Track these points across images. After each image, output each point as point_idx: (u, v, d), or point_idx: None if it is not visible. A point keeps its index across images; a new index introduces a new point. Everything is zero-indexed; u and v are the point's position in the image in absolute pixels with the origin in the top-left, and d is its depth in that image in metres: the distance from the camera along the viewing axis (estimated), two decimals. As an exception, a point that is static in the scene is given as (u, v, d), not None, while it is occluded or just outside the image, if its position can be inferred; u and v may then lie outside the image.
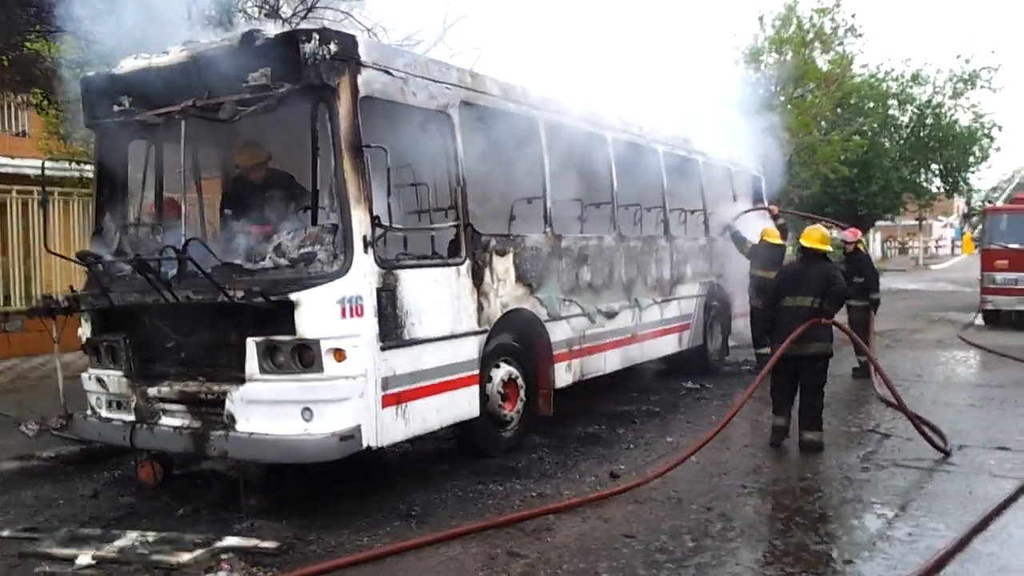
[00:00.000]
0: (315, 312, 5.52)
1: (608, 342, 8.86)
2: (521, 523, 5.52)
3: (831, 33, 24.15)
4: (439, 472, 6.82)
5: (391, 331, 5.89)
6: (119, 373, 6.36)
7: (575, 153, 8.76)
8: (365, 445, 5.66)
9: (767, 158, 14.27)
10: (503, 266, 7.14)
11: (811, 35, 23.67)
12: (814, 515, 5.76)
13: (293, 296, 5.52)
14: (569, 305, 8.12)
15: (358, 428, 5.60)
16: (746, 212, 13.25)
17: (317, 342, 5.53)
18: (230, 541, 5.23)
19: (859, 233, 13.02)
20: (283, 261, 5.81)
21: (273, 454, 5.66)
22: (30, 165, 11.52)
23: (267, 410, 5.65)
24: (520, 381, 7.45)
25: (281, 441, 5.55)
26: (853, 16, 24.32)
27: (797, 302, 7.59)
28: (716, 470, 6.83)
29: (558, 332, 7.93)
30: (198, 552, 5.05)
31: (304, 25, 8.40)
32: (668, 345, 10.41)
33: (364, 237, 5.68)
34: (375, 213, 5.75)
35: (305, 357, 5.59)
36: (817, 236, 7.81)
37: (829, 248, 7.94)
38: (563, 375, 8.03)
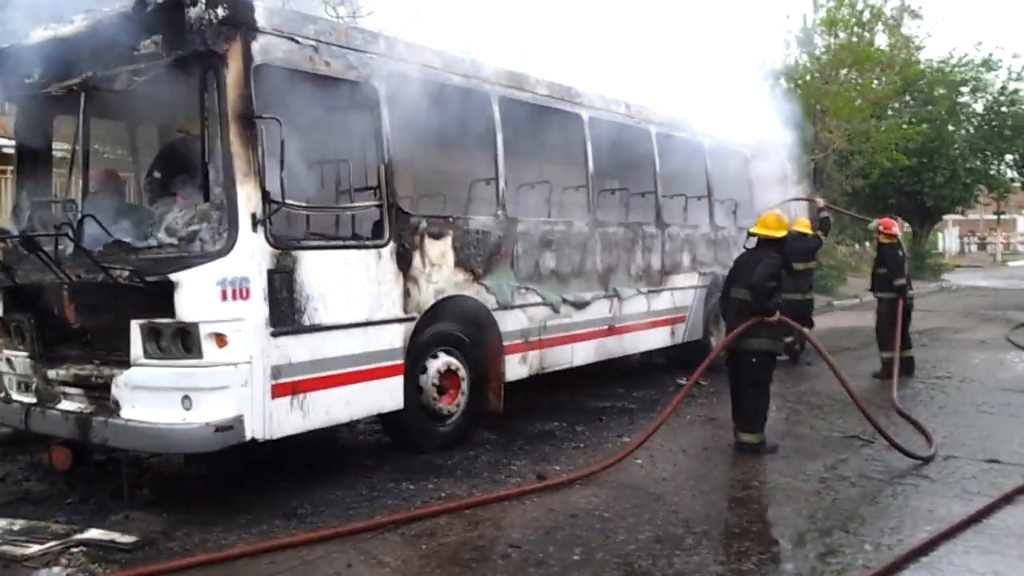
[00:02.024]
0: (194, 294, 5.19)
1: (577, 333, 8.33)
2: (406, 525, 5.09)
3: (891, 14, 22.84)
4: (361, 466, 6.43)
5: (286, 316, 5.50)
6: (25, 354, 6.14)
7: (543, 133, 8.28)
8: (248, 437, 5.29)
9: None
10: (438, 250, 6.69)
11: (866, 15, 22.41)
12: (734, 531, 5.16)
13: (173, 277, 5.19)
14: (526, 293, 7.63)
15: (239, 419, 5.24)
16: (786, 202, 12.61)
17: (196, 326, 5.19)
18: (90, 534, 4.92)
19: (891, 225, 12.18)
20: (170, 240, 5.47)
21: (148, 443, 5.37)
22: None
23: (150, 397, 5.34)
24: (462, 373, 7.00)
25: (156, 430, 5.23)
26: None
27: (735, 293, 7.07)
28: (655, 475, 6.27)
29: (510, 322, 7.44)
30: (50, 544, 4.76)
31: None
32: (657, 338, 9.80)
33: (253, 215, 5.31)
34: (268, 189, 5.37)
35: (186, 342, 5.25)
36: (771, 221, 7.18)
37: (775, 233, 7.11)
38: (516, 368, 7.55)
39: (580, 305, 8.33)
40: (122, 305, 5.44)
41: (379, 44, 6.34)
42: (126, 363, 5.42)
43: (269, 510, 5.41)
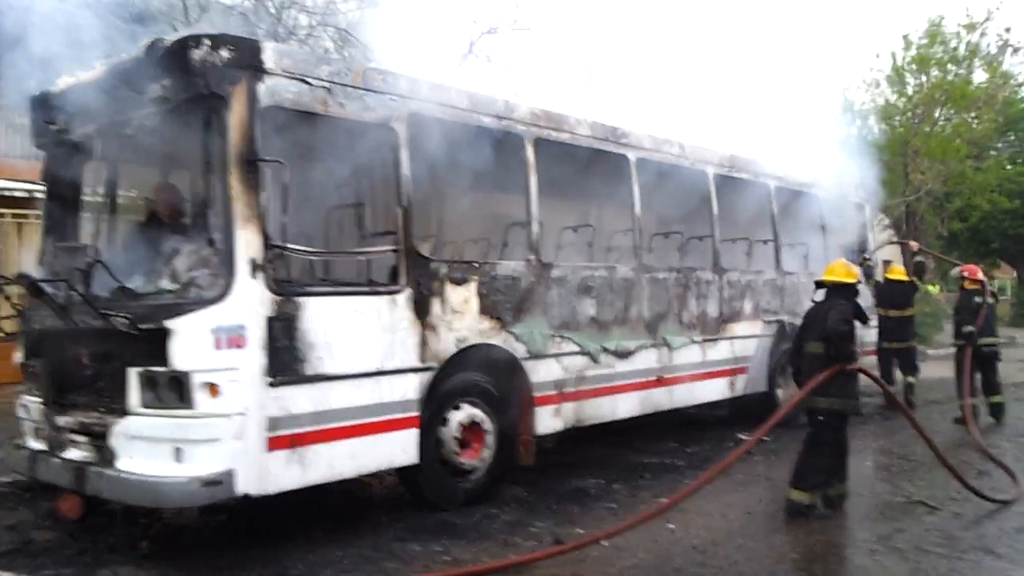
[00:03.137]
0: (187, 342, 5.01)
1: (619, 384, 7.88)
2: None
3: (988, 50, 21.73)
4: (374, 523, 6.12)
5: (286, 365, 5.28)
6: (39, 400, 6.08)
7: (586, 175, 7.95)
8: (240, 492, 5.06)
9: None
10: (460, 296, 6.39)
11: (962, 52, 21.39)
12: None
13: (168, 324, 5.03)
14: (560, 342, 7.25)
15: (229, 473, 5.01)
16: (880, 246, 12.09)
17: (188, 375, 5.01)
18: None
19: (976, 271, 11.51)
20: (173, 286, 5.34)
21: (138, 496, 5.17)
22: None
23: (146, 447, 5.17)
24: (487, 426, 6.66)
25: (145, 482, 5.04)
26: (1008, 31, 21.83)
27: (808, 348, 6.62)
28: (684, 542, 5.76)
29: (543, 372, 7.07)
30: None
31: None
32: (714, 390, 9.25)
33: (252, 260, 5.13)
34: (269, 234, 5.19)
35: (179, 391, 5.07)
36: (839, 268, 6.80)
37: (845, 280, 6.73)
38: (548, 420, 7.16)
39: (623, 354, 7.90)
40: (124, 353, 5.31)
41: (399, 84, 6.14)
42: (123, 411, 5.28)
43: (261, 568, 5.15)
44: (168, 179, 6.36)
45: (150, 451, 5.13)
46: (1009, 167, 24.59)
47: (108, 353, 5.45)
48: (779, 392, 10.39)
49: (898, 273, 12.25)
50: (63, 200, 6.45)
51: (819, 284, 6.90)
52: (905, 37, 21.90)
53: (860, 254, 11.95)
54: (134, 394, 5.23)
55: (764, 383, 10.00)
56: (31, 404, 6.15)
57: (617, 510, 6.55)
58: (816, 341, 6.52)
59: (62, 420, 5.78)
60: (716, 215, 9.28)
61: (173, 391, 5.08)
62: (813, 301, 7.02)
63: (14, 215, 11.96)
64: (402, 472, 6.27)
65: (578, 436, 8.16)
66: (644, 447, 8.88)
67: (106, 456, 5.31)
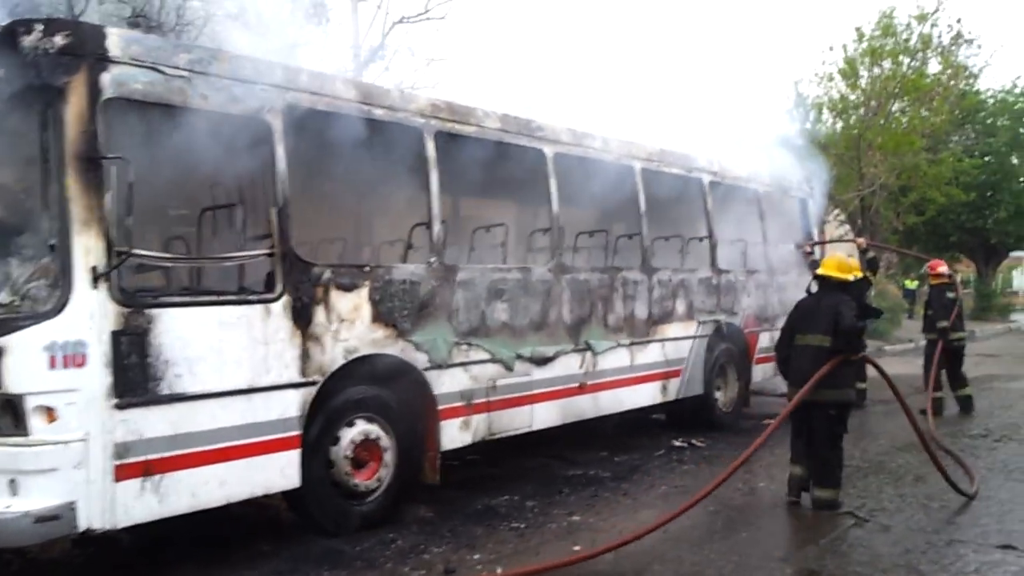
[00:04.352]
0: (19, 361, 4.50)
1: (537, 393, 7.42)
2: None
3: (939, 42, 21.52)
4: (253, 553, 5.62)
5: (137, 385, 4.77)
6: None
7: (497, 171, 7.48)
8: (82, 527, 4.55)
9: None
10: (350, 303, 5.90)
11: (914, 43, 21.17)
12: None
13: (1, 340, 4.50)
14: (468, 350, 6.78)
15: (70, 506, 4.50)
16: (818, 243, 11.83)
17: (21, 398, 4.49)
18: None
19: (936, 265, 11.47)
20: (8, 298, 4.80)
21: (-36, 534, 4.62)
22: None
23: (-19, 479, 4.63)
24: (385, 442, 6.18)
25: (-28, 520, 4.50)
26: (958, 21, 21.64)
27: (807, 340, 6.65)
28: (589, 567, 5.30)
29: (447, 382, 6.59)
30: None
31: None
32: (644, 395, 8.82)
33: (93, 268, 4.61)
34: (114, 239, 4.68)
35: (13, 416, 4.54)
36: (834, 263, 6.91)
37: (849, 277, 6.82)
38: (455, 434, 6.69)
39: (541, 361, 7.44)
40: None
41: (273, 73, 5.64)
42: (-40, 439, 4.74)
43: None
44: (7, 179, 5.80)
45: (-14, 483, 4.60)
46: (967, 159, 24.40)
47: None
48: (717, 394, 10.03)
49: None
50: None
51: (819, 278, 6.93)
52: (858, 29, 21.70)
53: (800, 250, 11.64)
54: (-31, 419, 4.69)
55: (700, 385, 9.59)
56: None
57: (524, 530, 6.09)
58: (821, 334, 6.54)
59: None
60: (644, 212, 8.84)
61: (7, 416, 4.55)
62: (808, 293, 7.06)
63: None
64: (289, 495, 5.77)
65: (503, 447, 7.71)
66: (573, 457, 8.43)
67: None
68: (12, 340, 4.49)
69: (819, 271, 7.05)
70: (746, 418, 10.44)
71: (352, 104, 6.12)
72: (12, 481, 4.51)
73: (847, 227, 22.54)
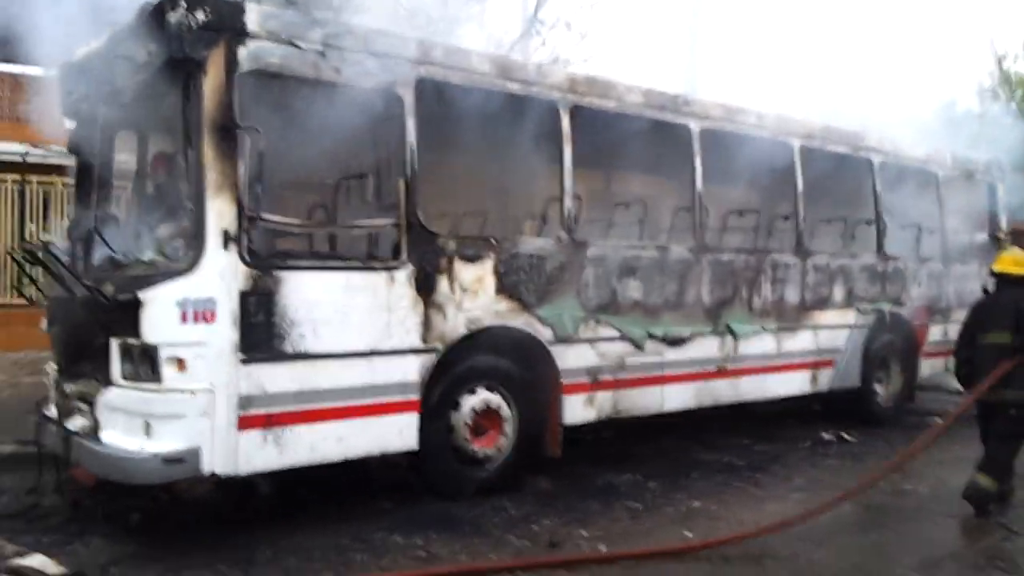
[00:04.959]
0: (155, 315, 4.89)
1: (669, 374, 7.27)
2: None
3: None
4: (373, 510, 5.85)
5: (263, 342, 5.06)
6: (56, 367, 6.15)
7: (641, 147, 7.37)
8: (207, 471, 4.89)
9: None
10: (473, 274, 6.00)
11: None
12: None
13: (140, 295, 4.91)
14: (596, 326, 6.73)
15: (194, 451, 4.84)
16: (1015, 233, 10.90)
17: (156, 348, 4.88)
18: (29, 560, 4.70)
19: None
20: (151, 256, 5.23)
21: (106, 469, 5.08)
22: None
23: (124, 420, 5.10)
24: (505, 412, 6.26)
25: (111, 456, 4.96)
26: None
27: (988, 339, 6.33)
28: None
29: (573, 358, 6.58)
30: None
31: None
32: (790, 384, 8.44)
33: (225, 231, 4.92)
34: (245, 203, 4.98)
35: (151, 364, 4.94)
36: (1010, 259, 6.58)
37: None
38: (579, 410, 6.67)
39: (674, 342, 7.28)
40: (109, 323, 5.24)
41: (407, 48, 5.79)
42: (108, 382, 5.22)
43: (229, 551, 4.97)
44: (163, 148, 6.27)
45: (127, 424, 5.05)
46: None
47: (98, 323, 5.40)
48: (877, 388, 9.46)
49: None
50: (86, 169, 6.47)
51: (995, 275, 6.64)
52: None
53: (993, 239, 10.75)
54: (116, 365, 5.16)
55: (856, 378, 9.08)
56: (51, 371, 6.23)
57: (639, 511, 6.01)
58: (1000, 331, 6.24)
59: (70, 388, 5.79)
60: (801, 192, 8.43)
61: (146, 364, 4.97)
62: (985, 292, 6.78)
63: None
64: (410, 458, 5.96)
65: (640, 426, 7.64)
66: (712, 442, 8.24)
67: (95, 427, 5.27)
68: (149, 294, 4.87)
69: (994, 268, 6.72)
70: (910, 414, 9.80)
71: (487, 78, 6.19)
72: (147, 424, 4.92)
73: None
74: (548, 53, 11.65)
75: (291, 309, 5.16)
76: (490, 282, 6.09)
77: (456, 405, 6.05)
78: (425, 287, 5.74)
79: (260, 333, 5.05)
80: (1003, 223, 11.13)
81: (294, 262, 5.31)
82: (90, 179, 6.43)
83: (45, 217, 11.69)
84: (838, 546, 5.36)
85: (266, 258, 5.16)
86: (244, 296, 4.98)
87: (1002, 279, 6.58)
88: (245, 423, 5.00)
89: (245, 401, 4.99)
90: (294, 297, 5.17)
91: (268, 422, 5.09)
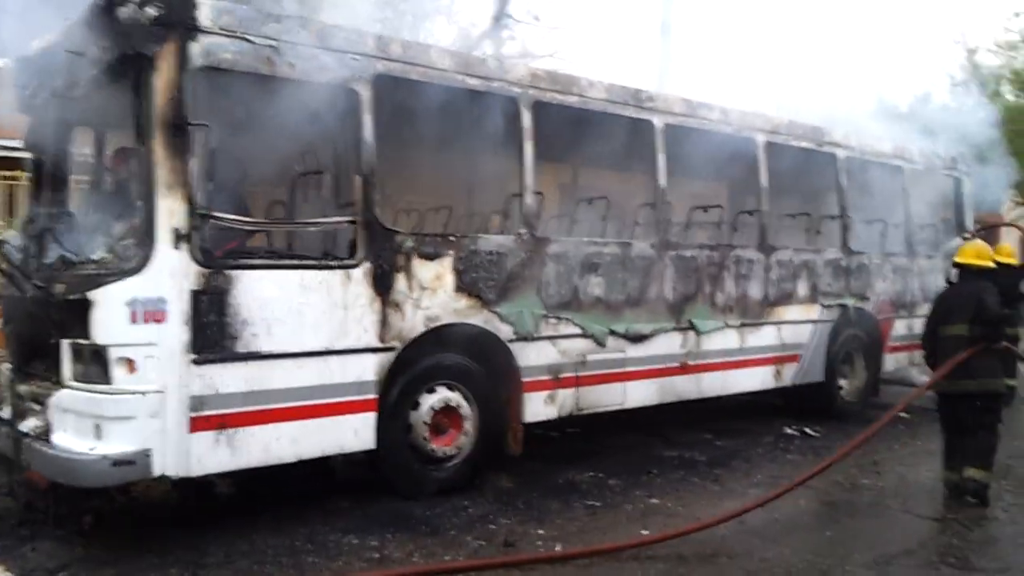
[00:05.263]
0: (105, 314, 4.81)
1: (631, 371, 7.28)
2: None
3: None
4: (329, 509, 5.81)
5: (215, 342, 5.01)
6: (9, 367, 6.05)
7: (600, 143, 7.36)
8: (157, 473, 4.84)
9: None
10: (432, 272, 5.96)
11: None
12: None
13: (89, 295, 4.83)
14: (558, 324, 6.72)
15: (145, 453, 4.79)
16: (982, 230, 10.98)
17: (105, 349, 4.81)
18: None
19: None
20: (102, 255, 5.15)
21: (56, 472, 4.99)
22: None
23: (75, 422, 5.00)
24: (465, 410, 6.24)
25: (60, 458, 4.88)
26: None
27: (950, 331, 6.48)
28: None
29: (533, 355, 6.57)
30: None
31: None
32: (753, 380, 8.47)
33: (175, 230, 4.86)
34: (198, 202, 4.91)
35: (101, 365, 4.87)
36: (972, 251, 6.70)
37: (988, 264, 6.69)
38: (540, 407, 6.66)
39: (636, 338, 7.28)
40: (60, 323, 5.16)
41: (365, 44, 5.73)
42: (59, 383, 5.14)
43: (181, 552, 4.93)
44: (120, 145, 6.18)
45: (77, 426, 4.96)
46: None
47: (49, 323, 5.32)
48: (842, 382, 9.52)
49: (1006, 255, 11.03)
50: (43, 166, 6.36)
51: (957, 267, 6.75)
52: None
53: (959, 233, 10.84)
54: (67, 366, 5.08)
55: (820, 373, 9.13)
56: (4, 371, 6.14)
57: (598, 509, 6.02)
58: (962, 323, 6.38)
59: (23, 388, 5.70)
60: (765, 188, 8.45)
61: (96, 365, 4.89)
62: (949, 283, 6.90)
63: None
64: (369, 457, 5.92)
65: (604, 423, 7.64)
66: (676, 438, 8.26)
67: (47, 429, 5.19)
68: (99, 294, 4.81)
69: (956, 259, 6.81)
70: (874, 408, 9.86)
71: (447, 74, 6.13)
72: (97, 426, 4.84)
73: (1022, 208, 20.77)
74: (517, 47, 11.61)
75: (244, 308, 5.11)
76: (449, 279, 6.06)
77: (415, 404, 6.02)
78: (382, 285, 5.70)
79: (212, 333, 4.99)
80: (968, 217, 11.24)
81: (247, 260, 5.24)
82: (46, 175, 6.32)
83: (11, 213, 11.51)
84: (793, 543, 5.38)
85: (218, 257, 5.09)
86: (195, 295, 4.92)
87: (964, 271, 6.68)
88: (197, 424, 4.95)
89: (197, 402, 4.94)
90: (247, 296, 5.11)
91: (221, 423, 5.04)
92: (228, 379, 5.06)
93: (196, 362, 4.93)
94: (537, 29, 11.35)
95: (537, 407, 6.63)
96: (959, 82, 19.52)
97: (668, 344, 7.55)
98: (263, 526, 5.44)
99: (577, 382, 6.87)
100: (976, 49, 21.56)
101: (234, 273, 5.08)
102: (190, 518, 5.59)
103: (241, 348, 5.10)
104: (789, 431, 8.73)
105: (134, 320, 4.77)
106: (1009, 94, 20.12)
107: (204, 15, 5.03)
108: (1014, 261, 10.62)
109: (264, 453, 5.24)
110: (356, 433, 5.63)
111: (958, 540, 5.54)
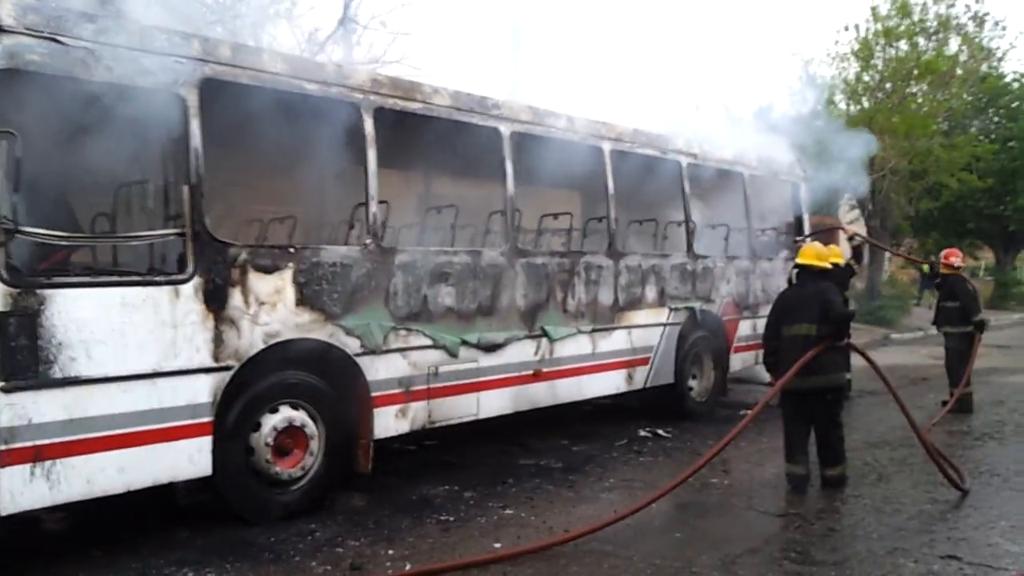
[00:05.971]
0: (-100, 341, 4.32)
1: (485, 380, 7.19)
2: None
3: (958, 22, 20.82)
4: (166, 539, 5.45)
5: (26, 368, 4.60)
6: None
7: (446, 150, 7.26)
8: (-36, 512, 4.39)
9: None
10: (270, 286, 5.69)
11: (931, 24, 20.51)
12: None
13: None
14: (407, 335, 6.56)
15: (-54, 492, 4.34)
16: (814, 234, 11.41)
17: (-98, 380, 4.33)
18: None
19: (950, 254, 10.86)
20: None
21: None
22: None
23: None
24: (311, 430, 5.99)
25: None
26: (977, 1, 20.79)
27: (794, 331, 6.71)
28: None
29: (382, 369, 6.38)
30: None
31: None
32: (606, 384, 8.55)
33: (-26, 247, 4.43)
34: (6, 216, 4.50)
35: (-102, 397, 4.39)
36: (812, 252, 6.98)
37: (827, 265, 6.97)
38: (391, 422, 6.48)
39: (489, 348, 7.20)
40: None
41: (190, 46, 5.41)
42: None
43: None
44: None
45: None
46: (985, 143, 23.70)
47: None
48: (691, 383, 9.75)
49: (836, 256, 11.62)
50: None
51: (800, 268, 6.99)
52: (873, 9, 21.04)
53: (793, 237, 11.35)
54: None
55: (671, 374, 9.32)
56: None
57: (450, 524, 5.88)
58: (808, 323, 6.59)
59: None
60: (612, 194, 8.54)
61: None
62: (789, 283, 7.18)
63: None
64: (211, 482, 5.59)
65: (463, 433, 7.51)
66: (534, 445, 8.23)
67: None
68: None
69: (797, 260, 7.08)
70: (723, 407, 10.17)
71: (282, 78, 5.88)
72: (-103, 464, 4.36)
73: (857, 212, 22.05)
74: (365, 52, 11.40)
75: (59, 330, 4.72)
76: (290, 293, 5.81)
77: (256, 425, 5.74)
78: (215, 301, 5.40)
79: (23, 358, 4.59)
80: (805, 220, 11.76)
81: (62, 279, 4.84)
82: None
83: None
84: (642, 548, 5.39)
85: (29, 275, 4.68)
86: (3, 317, 4.51)
87: (804, 271, 6.94)
88: (8, 458, 4.54)
89: (7, 434, 4.53)
90: (63, 317, 4.73)
91: (36, 455, 4.64)
92: (43, 407, 4.66)
93: (5, 390, 4.51)
94: (385, 35, 11.20)
95: (388, 422, 6.45)
96: (796, 92, 20.50)
97: (521, 352, 7.51)
98: (94, 563, 5.07)
99: (429, 394, 6.73)
100: (811, 60, 22.75)
101: (47, 292, 4.68)
102: (9, 560, 5.13)
103: (57, 373, 4.71)
104: (643, 433, 8.86)
105: (-67, 347, 4.32)
106: (842, 103, 21.32)
107: (6, 13, 4.63)
108: (842, 261, 11.24)
109: (88, 485, 4.85)
110: (191, 459, 5.30)
111: (800, 535, 5.70)
